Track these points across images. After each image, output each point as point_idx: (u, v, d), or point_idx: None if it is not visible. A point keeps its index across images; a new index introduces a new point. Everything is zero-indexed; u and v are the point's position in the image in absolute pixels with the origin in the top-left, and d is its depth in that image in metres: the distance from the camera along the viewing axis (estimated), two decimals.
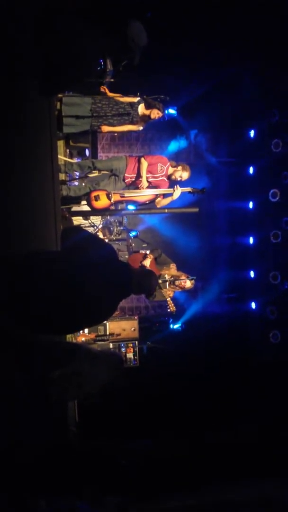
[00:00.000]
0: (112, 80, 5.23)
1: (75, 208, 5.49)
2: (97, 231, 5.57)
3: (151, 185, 5.32)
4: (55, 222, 3.94)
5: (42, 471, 2.84)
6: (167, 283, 5.21)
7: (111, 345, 5.72)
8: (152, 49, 4.73)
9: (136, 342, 5.86)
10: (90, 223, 5.51)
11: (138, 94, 5.15)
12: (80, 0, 3.44)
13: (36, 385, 2.48)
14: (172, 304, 5.18)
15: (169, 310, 5.24)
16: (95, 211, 5.21)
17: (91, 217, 5.48)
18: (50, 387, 2.47)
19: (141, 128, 5.37)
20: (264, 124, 6.88)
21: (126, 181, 5.33)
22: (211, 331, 7.15)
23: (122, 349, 5.75)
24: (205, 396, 5.61)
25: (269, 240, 6.81)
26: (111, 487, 3.08)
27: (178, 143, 7.26)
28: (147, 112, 5.12)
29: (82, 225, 5.57)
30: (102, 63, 5.15)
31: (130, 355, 5.78)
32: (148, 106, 5.11)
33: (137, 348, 5.83)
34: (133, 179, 5.30)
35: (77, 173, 5.42)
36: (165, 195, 5.33)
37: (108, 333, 5.71)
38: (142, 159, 5.17)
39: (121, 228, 5.77)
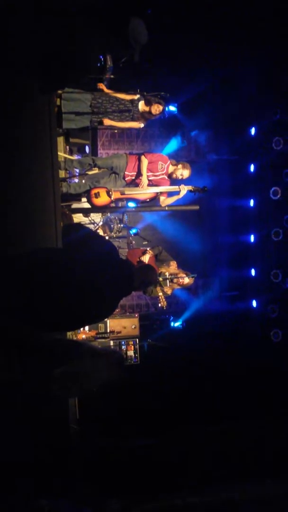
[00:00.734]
0: (112, 76, 5.22)
1: (75, 205, 5.47)
2: (97, 228, 5.55)
3: (151, 183, 5.30)
4: (55, 219, 3.93)
5: (43, 470, 2.83)
6: (167, 281, 5.20)
7: (111, 343, 5.71)
8: (152, 46, 4.71)
9: (137, 340, 5.86)
10: (90, 220, 5.50)
11: (138, 91, 5.13)
12: None
13: (37, 382, 2.47)
14: (164, 300, 5.15)
15: (160, 305, 5.22)
16: (95, 208, 5.19)
17: (91, 214, 5.46)
18: (51, 384, 2.46)
19: (142, 125, 5.35)
20: (265, 122, 6.85)
21: (126, 179, 5.31)
22: (212, 330, 7.13)
23: (123, 347, 5.74)
24: (205, 393, 5.60)
25: (270, 238, 6.79)
26: (112, 486, 3.07)
27: (178, 140, 7.24)
28: (147, 108, 5.11)
29: (82, 222, 5.55)
30: (102, 59, 5.13)
31: (130, 352, 5.77)
32: (147, 103, 5.10)
33: (137, 345, 5.82)
34: (134, 177, 5.28)
35: (77, 170, 5.40)
36: (170, 194, 5.31)
37: (108, 330, 5.70)
38: (143, 157, 5.15)
39: (122, 225, 5.75)
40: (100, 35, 4.06)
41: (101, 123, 5.09)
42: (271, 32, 5.52)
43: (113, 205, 5.36)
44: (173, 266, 5.35)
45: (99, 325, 5.64)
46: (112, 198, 5.07)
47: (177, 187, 5.20)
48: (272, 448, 3.77)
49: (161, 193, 5.30)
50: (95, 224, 5.54)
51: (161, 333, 6.73)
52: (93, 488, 2.86)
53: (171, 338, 6.70)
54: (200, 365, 6.21)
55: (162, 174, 5.28)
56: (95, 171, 5.35)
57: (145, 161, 5.13)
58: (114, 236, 5.75)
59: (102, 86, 5.03)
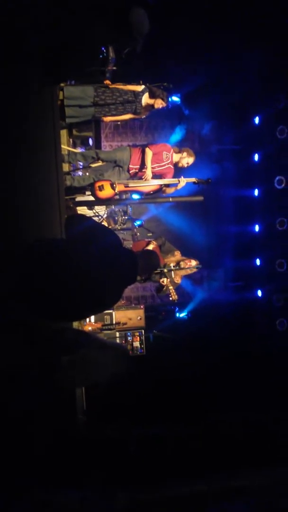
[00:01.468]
0: (114, 68, 5.19)
1: (79, 198, 5.49)
2: (102, 221, 5.56)
3: (157, 174, 5.30)
4: (59, 212, 3.95)
5: (51, 460, 2.87)
6: (173, 272, 5.21)
7: (117, 334, 5.75)
8: (155, 36, 4.67)
9: (143, 331, 5.90)
10: (94, 213, 5.51)
11: (141, 82, 5.11)
12: None
13: (43, 371, 2.50)
14: (174, 293, 5.19)
15: (170, 299, 5.25)
16: (99, 201, 5.20)
17: (96, 207, 5.47)
18: (57, 373, 2.49)
19: (143, 116, 5.34)
20: (269, 111, 6.80)
21: (130, 172, 5.31)
22: (217, 320, 7.15)
23: (129, 338, 5.79)
24: (211, 384, 5.63)
25: (275, 228, 6.77)
26: (119, 475, 3.10)
27: (182, 131, 7.21)
28: (150, 101, 5.09)
29: (86, 215, 5.57)
30: (104, 51, 5.11)
31: (136, 343, 5.81)
32: (152, 95, 5.07)
33: (143, 336, 5.86)
34: (138, 170, 5.28)
35: (81, 163, 5.40)
36: (169, 185, 5.32)
37: (114, 322, 5.74)
38: (147, 149, 5.14)
39: (126, 217, 5.76)
40: (102, 26, 4.04)
41: (104, 116, 5.08)
42: (274, 20, 5.46)
43: (117, 197, 5.37)
44: (177, 255, 5.38)
45: (105, 316, 5.68)
46: (116, 191, 5.08)
47: (177, 179, 5.20)
48: (277, 436, 3.80)
49: (164, 184, 5.31)
50: (100, 217, 5.55)
51: (167, 324, 6.76)
52: (101, 478, 2.90)
53: (177, 329, 6.73)
54: (205, 355, 6.24)
55: (168, 164, 5.28)
56: (99, 163, 5.35)
57: (149, 153, 5.12)
58: (119, 228, 5.76)
59: (108, 82, 5.01)
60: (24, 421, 2.65)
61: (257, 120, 7.12)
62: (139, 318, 5.91)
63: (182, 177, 5.19)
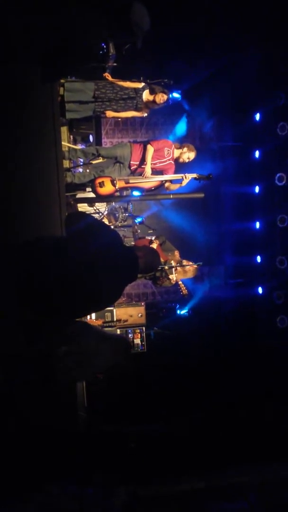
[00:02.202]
0: (114, 64, 5.17)
1: (80, 195, 5.48)
2: (102, 218, 5.55)
3: (158, 170, 5.29)
4: (60, 209, 3.94)
5: (52, 456, 2.87)
6: (174, 270, 5.21)
7: (118, 331, 5.75)
8: (155, 32, 4.65)
9: (143, 328, 5.90)
10: (95, 210, 5.50)
11: (142, 78, 5.09)
12: None
13: (42, 361, 2.50)
14: (184, 287, 5.21)
15: (181, 293, 5.27)
16: (100, 198, 5.19)
17: (96, 204, 5.46)
18: (55, 364, 2.49)
19: (145, 114, 5.32)
20: (270, 107, 6.78)
21: (131, 168, 5.30)
22: (218, 317, 7.15)
23: (130, 335, 5.79)
24: (212, 381, 5.64)
25: (275, 225, 6.76)
26: (120, 471, 3.11)
27: (183, 127, 7.19)
28: (151, 97, 5.07)
29: (87, 212, 5.56)
30: (104, 47, 5.08)
31: (137, 340, 5.81)
32: (152, 92, 5.06)
33: (144, 333, 5.86)
34: (139, 166, 5.27)
35: (81, 160, 5.39)
36: (173, 181, 5.31)
37: (115, 319, 5.74)
38: (149, 146, 5.13)
39: (127, 214, 5.75)
40: (102, 21, 4.02)
41: (105, 111, 5.06)
42: (276, 16, 5.44)
43: (117, 194, 5.36)
44: (176, 255, 5.38)
45: (106, 313, 5.68)
46: (116, 187, 5.07)
47: (181, 175, 5.19)
48: (277, 433, 3.80)
49: (166, 180, 5.30)
50: (100, 214, 5.54)
51: (168, 321, 6.76)
52: (101, 475, 2.91)
53: (177, 326, 6.73)
54: (206, 352, 6.25)
55: (169, 160, 5.28)
56: (100, 160, 5.34)
57: (151, 150, 5.11)
58: (119, 225, 5.75)
59: (107, 76, 4.99)
60: (24, 417, 2.65)
61: (258, 116, 7.09)
62: (140, 315, 5.91)
63: (186, 173, 5.19)
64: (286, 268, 6.69)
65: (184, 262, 5.24)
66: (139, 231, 5.94)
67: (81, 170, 5.41)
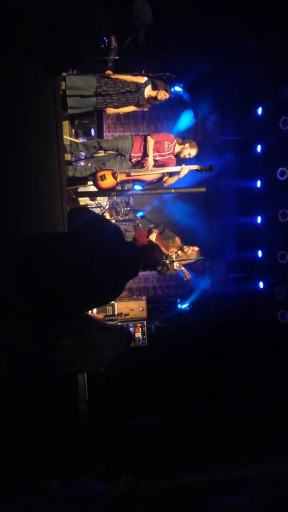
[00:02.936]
0: (117, 57, 5.15)
1: (81, 189, 5.47)
2: (104, 212, 5.55)
3: (158, 164, 5.27)
4: (62, 203, 3.93)
5: (54, 450, 2.89)
6: (175, 263, 5.22)
7: (120, 325, 5.76)
8: (157, 25, 4.62)
9: (145, 322, 5.91)
10: (96, 204, 5.50)
11: (143, 72, 5.06)
12: None
13: (45, 352, 2.51)
14: (187, 272, 5.24)
15: (185, 279, 5.30)
16: (101, 191, 5.18)
17: (98, 198, 5.46)
18: (58, 355, 2.50)
19: (146, 109, 5.31)
20: (272, 101, 6.75)
21: (132, 160, 5.28)
22: (219, 311, 7.16)
23: (131, 329, 5.80)
24: (213, 375, 5.65)
25: (277, 219, 6.75)
26: (122, 465, 3.13)
27: (184, 121, 7.17)
28: (153, 94, 5.04)
29: (88, 206, 5.56)
30: (106, 40, 5.06)
31: (138, 334, 5.83)
32: (155, 87, 5.02)
33: (145, 327, 5.88)
34: (139, 158, 5.26)
35: (83, 153, 5.38)
36: (171, 174, 5.29)
37: (116, 313, 5.75)
38: (149, 137, 5.11)
39: (128, 208, 5.75)
40: (104, 15, 3.99)
41: (107, 107, 5.04)
42: (278, 9, 5.40)
43: (119, 187, 5.34)
44: (178, 242, 5.39)
45: (107, 307, 5.69)
46: (118, 180, 5.06)
47: (179, 167, 5.16)
48: (278, 427, 3.82)
49: (167, 173, 5.28)
50: (102, 208, 5.54)
51: (169, 315, 6.78)
52: (103, 466, 2.93)
53: (179, 320, 6.74)
54: (207, 347, 6.27)
55: (169, 154, 5.25)
56: (101, 153, 5.32)
57: (151, 141, 5.09)
58: (121, 219, 5.75)
59: (109, 72, 4.96)
60: (26, 410, 2.67)
61: (260, 111, 7.07)
62: (141, 309, 5.92)
63: (183, 165, 5.15)
64: (287, 262, 6.69)
65: (185, 248, 5.26)
66: (140, 225, 5.94)
67: (82, 163, 5.40)
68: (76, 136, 5.88)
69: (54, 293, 2.37)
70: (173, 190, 5.50)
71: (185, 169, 5.13)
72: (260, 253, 7.33)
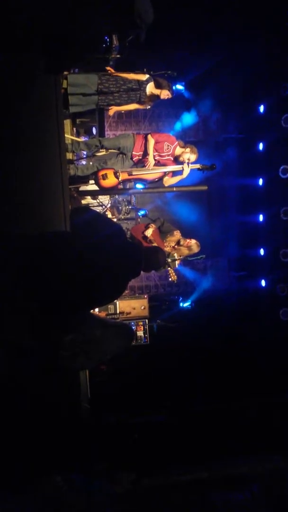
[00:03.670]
0: (118, 56, 5.14)
1: (83, 188, 5.48)
2: (106, 211, 5.55)
3: (158, 163, 5.27)
4: (63, 202, 3.94)
5: (56, 447, 2.90)
6: (176, 262, 5.22)
7: (122, 321, 5.77)
8: (159, 23, 4.62)
9: (146, 321, 5.91)
10: (98, 203, 5.50)
11: (145, 70, 5.06)
12: None
13: (47, 349, 2.52)
14: (174, 274, 5.21)
15: (170, 279, 5.28)
16: (103, 190, 5.19)
17: (99, 197, 5.46)
18: (60, 352, 2.51)
19: (148, 107, 5.30)
20: (274, 99, 6.74)
21: (134, 159, 5.28)
22: (221, 310, 7.17)
23: (133, 328, 5.81)
24: (214, 373, 5.66)
25: (279, 217, 6.74)
26: (124, 462, 3.14)
27: (186, 119, 7.17)
28: (156, 91, 5.03)
29: (90, 205, 5.57)
30: (108, 39, 5.06)
31: (140, 333, 5.83)
32: (158, 86, 5.02)
33: (147, 326, 5.88)
34: (141, 157, 5.26)
35: (84, 152, 5.39)
36: (173, 174, 5.28)
37: (118, 311, 5.76)
38: (149, 136, 5.11)
39: (130, 207, 5.75)
40: (106, 14, 4.00)
41: (108, 105, 5.04)
42: (279, 6, 5.39)
43: (121, 186, 5.35)
44: (177, 235, 5.37)
45: (109, 306, 5.70)
46: (119, 179, 5.06)
47: (180, 166, 5.15)
48: (280, 424, 3.82)
49: (167, 173, 5.27)
50: (103, 206, 5.54)
51: (171, 314, 6.78)
52: (105, 464, 2.94)
53: (181, 318, 6.75)
54: (209, 345, 6.27)
55: (168, 155, 5.23)
56: (103, 152, 5.33)
57: (151, 140, 5.09)
58: (123, 218, 5.75)
59: (110, 69, 4.96)
60: (27, 407, 2.68)
61: (262, 108, 7.06)
62: (142, 307, 5.93)
63: (186, 163, 5.14)
64: None
65: (182, 241, 5.29)
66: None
67: (84, 162, 5.41)
68: (78, 135, 5.88)
69: (56, 292, 2.38)
70: (175, 189, 5.50)
71: (187, 170, 5.11)
72: (262, 251, 7.32)
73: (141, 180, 5.36)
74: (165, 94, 5.02)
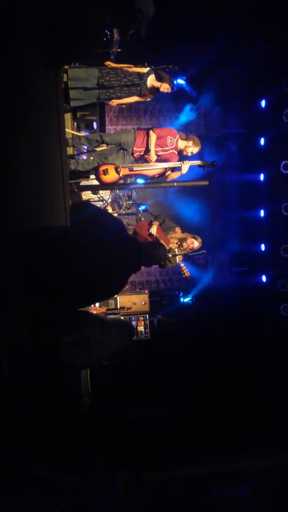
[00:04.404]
0: (119, 50, 5.12)
1: (83, 183, 5.47)
2: (106, 206, 5.54)
3: (160, 159, 5.25)
4: (64, 196, 3.93)
5: (56, 442, 2.90)
6: (177, 257, 5.21)
7: (122, 319, 5.78)
8: (160, 18, 4.60)
9: (147, 316, 5.93)
10: (99, 198, 5.49)
11: (146, 64, 5.03)
12: None
13: (47, 348, 2.52)
14: (186, 269, 5.22)
15: (184, 276, 5.28)
16: (103, 185, 5.18)
17: (100, 191, 5.45)
18: (61, 351, 2.51)
19: (149, 99, 5.27)
20: (275, 94, 6.71)
21: (135, 155, 5.26)
22: (222, 305, 7.17)
23: (133, 323, 5.82)
24: (214, 367, 5.67)
25: (280, 213, 6.74)
26: (124, 457, 3.15)
27: (187, 114, 7.14)
28: (156, 84, 5.01)
29: (91, 200, 5.55)
30: (109, 33, 5.03)
31: (141, 328, 5.85)
32: (159, 79, 4.99)
33: (148, 321, 5.89)
34: (142, 153, 5.24)
35: (85, 147, 5.37)
36: (174, 169, 5.27)
37: (119, 306, 5.77)
38: (151, 132, 5.09)
39: (130, 202, 5.74)
40: (107, 8, 3.98)
41: (109, 99, 5.02)
42: (282, 2, 5.36)
43: (121, 181, 5.33)
44: (178, 232, 5.37)
45: (110, 301, 5.71)
46: (120, 175, 5.05)
47: (180, 162, 5.14)
48: (281, 420, 3.83)
49: (168, 168, 5.26)
50: (104, 201, 5.53)
51: (171, 309, 6.79)
52: (106, 460, 2.95)
53: (181, 313, 6.75)
54: (209, 340, 6.28)
55: (172, 149, 5.22)
56: (103, 147, 5.31)
57: (153, 136, 5.07)
58: (123, 213, 5.74)
59: (108, 63, 4.94)
60: (28, 404, 2.68)
61: (263, 103, 7.03)
62: (143, 302, 5.94)
63: (185, 160, 5.13)
64: None
65: (187, 237, 5.26)
66: (142, 219, 5.94)
67: (85, 157, 5.39)
68: (78, 130, 5.86)
69: (56, 287, 2.38)
70: (175, 184, 5.49)
71: (186, 166, 5.11)
72: (263, 247, 7.32)
73: (141, 176, 5.34)
74: (165, 87, 4.99)
